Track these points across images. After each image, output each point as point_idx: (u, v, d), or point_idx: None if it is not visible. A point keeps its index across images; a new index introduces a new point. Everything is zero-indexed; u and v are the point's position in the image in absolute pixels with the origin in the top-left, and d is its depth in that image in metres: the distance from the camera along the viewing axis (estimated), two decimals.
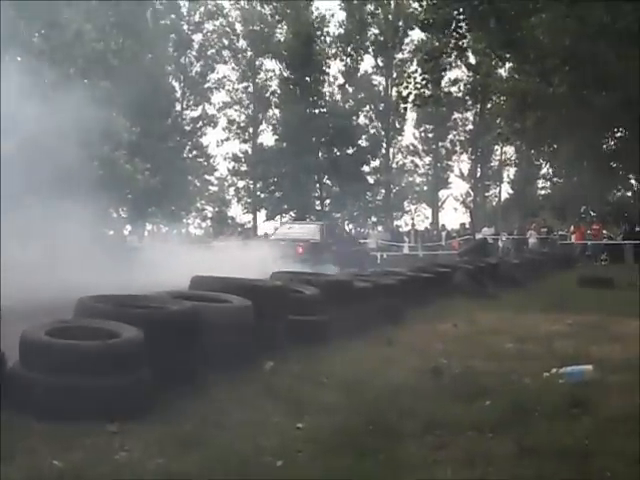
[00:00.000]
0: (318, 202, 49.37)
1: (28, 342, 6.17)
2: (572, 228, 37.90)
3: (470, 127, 53.28)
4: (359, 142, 50.56)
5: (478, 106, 50.52)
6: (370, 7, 51.14)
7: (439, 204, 55.55)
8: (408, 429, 5.93)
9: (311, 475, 4.81)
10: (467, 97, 51.16)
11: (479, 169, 54.12)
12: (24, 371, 6.04)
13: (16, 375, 6.06)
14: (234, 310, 8.23)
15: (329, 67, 50.79)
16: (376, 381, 7.65)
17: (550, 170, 50.96)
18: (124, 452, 5.23)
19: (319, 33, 49.74)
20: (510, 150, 52.10)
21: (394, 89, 50.49)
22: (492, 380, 7.54)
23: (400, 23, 50.44)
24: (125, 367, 6.09)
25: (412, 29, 45.69)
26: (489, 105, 47.47)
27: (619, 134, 39.19)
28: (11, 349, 6.33)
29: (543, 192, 52.53)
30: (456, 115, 53.21)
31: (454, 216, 68.62)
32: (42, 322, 6.72)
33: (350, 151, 49.51)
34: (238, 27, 52.01)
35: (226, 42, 51.86)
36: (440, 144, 54.45)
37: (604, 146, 41.72)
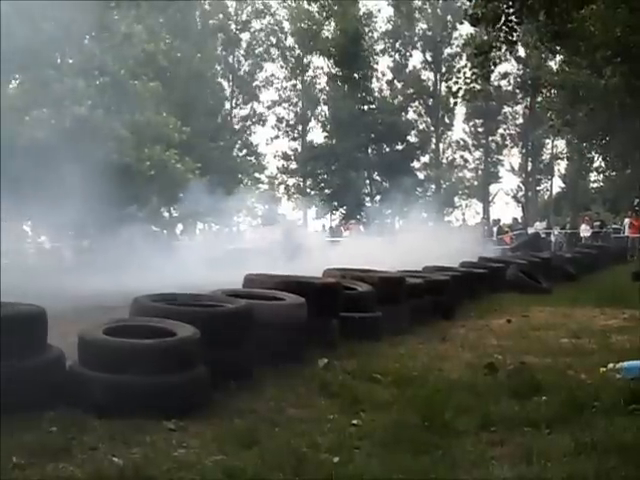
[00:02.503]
0: (368, 198, 49.31)
1: (86, 341, 6.26)
2: (626, 221, 37.31)
3: (520, 121, 52.79)
4: (408, 138, 50.44)
5: (528, 99, 50.06)
6: (418, 2, 50.97)
7: (490, 199, 55.17)
8: (464, 425, 5.92)
9: (368, 472, 4.81)
10: (517, 91, 50.76)
11: (530, 163, 53.56)
12: (82, 369, 6.13)
13: (75, 373, 6.16)
14: (288, 308, 8.27)
15: (377, 63, 50.75)
16: (430, 377, 7.64)
17: (602, 163, 50.27)
18: (182, 449, 5.28)
19: (367, 29, 49.68)
20: (561, 143, 51.47)
21: (443, 84, 50.35)
22: (548, 376, 7.47)
23: (449, 18, 50.24)
24: (181, 365, 6.16)
25: (461, 24, 45.28)
26: (539, 98, 47.03)
27: None
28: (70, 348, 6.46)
29: (595, 185, 51.87)
30: (506, 109, 52.78)
31: (505, 211, 67.93)
32: (99, 321, 6.81)
33: (400, 147, 49.41)
34: (286, 25, 52.18)
35: (274, 40, 52.02)
36: (490, 138, 53.99)
37: None
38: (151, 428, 5.57)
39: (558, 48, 24.98)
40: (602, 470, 4.86)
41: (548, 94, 35.93)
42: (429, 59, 52.42)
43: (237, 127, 50.56)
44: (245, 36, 51.35)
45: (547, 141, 52.29)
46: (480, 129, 54.02)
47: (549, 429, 5.75)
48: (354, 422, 6.06)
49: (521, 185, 54.28)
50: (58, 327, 6.66)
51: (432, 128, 53.27)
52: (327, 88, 51.56)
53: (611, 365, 7.87)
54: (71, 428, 5.49)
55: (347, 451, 5.30)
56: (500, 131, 53.91)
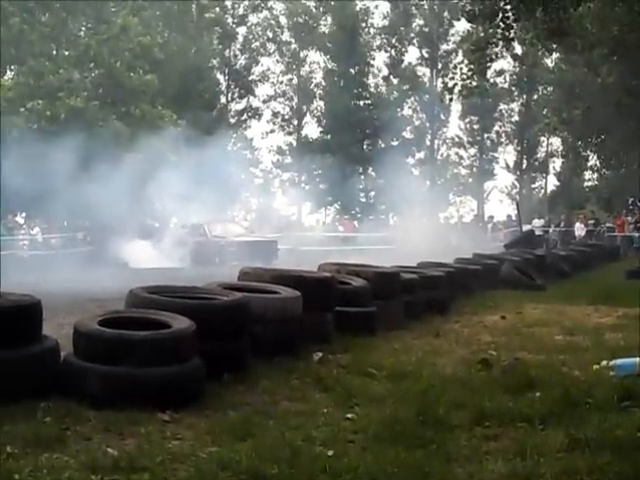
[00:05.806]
0: (363, 194, 49.27)
1: (81, 332, 6.26)
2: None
3: (516, 118, 52.84)
4: (404, 134, 50.44)
5: (524, 97, 50.11)
6: None
7: (484, 196, 55.20)
8: (458, 420, 5.93)
9: (363, 465, 4.81)
10: (513, 88, 50.79)
11: (525, 160, 53.63)
12: (77, 360, 6.13)
13: (70, 364, 6.16)
14: (283, 301, 8.28)
15: (373, 59, 50.81)
16: (425, 372, 7.64)
17: (597, 161, 50.28)
18: (177, 440, 5.29)
19: (363, 25, 49.70)
20: (556, 141, 51.52)
21: (439, 80, 50.31)
22: (541, 372, 7.46)
23: (445, 14, 50.21)
24: (176, 357, 6.15)
25: (458, 20, 45.25)
26: (535, 96, 47.13)
27: None
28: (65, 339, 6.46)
29: (590, 184, 51.89)
30: (502, 106, 52.80)
31: (500, 208, 67.93)
32: (94, 313, 6.81)
33: (395, 143, 49.39)
34: (282, 20, 52.14)
35: (270, 35, 51.98)
36: (485, 135, 54.00)
37: None
38: (145, 419, 5.58)
39: (554, 46, 25.00)
40: (595, 466, 4.87)
41: (544, 92, 35.97)
42: (425, 55, 52.42)
43: (232, 121, 50.51)
44: (241, 30, 51.38)
45: (542, 139, 52.32)
46: (475, 126, 54.02)
47: (543, 425, 5.75)
48: (348, 416, 6.07)
49: (515, 182, 54.37)
50: (53, 318, 6.65)
51: (427, 124, 53.26)
52: (323, 83, 51.57)
53: (604, 362, 7.87)
54: (65, 418, 5.51)
55: (341, 444, 5.31)
56: (495, 128, 53.92)
